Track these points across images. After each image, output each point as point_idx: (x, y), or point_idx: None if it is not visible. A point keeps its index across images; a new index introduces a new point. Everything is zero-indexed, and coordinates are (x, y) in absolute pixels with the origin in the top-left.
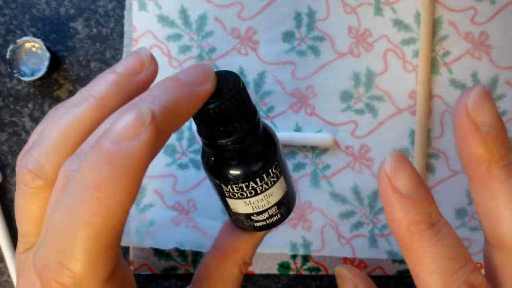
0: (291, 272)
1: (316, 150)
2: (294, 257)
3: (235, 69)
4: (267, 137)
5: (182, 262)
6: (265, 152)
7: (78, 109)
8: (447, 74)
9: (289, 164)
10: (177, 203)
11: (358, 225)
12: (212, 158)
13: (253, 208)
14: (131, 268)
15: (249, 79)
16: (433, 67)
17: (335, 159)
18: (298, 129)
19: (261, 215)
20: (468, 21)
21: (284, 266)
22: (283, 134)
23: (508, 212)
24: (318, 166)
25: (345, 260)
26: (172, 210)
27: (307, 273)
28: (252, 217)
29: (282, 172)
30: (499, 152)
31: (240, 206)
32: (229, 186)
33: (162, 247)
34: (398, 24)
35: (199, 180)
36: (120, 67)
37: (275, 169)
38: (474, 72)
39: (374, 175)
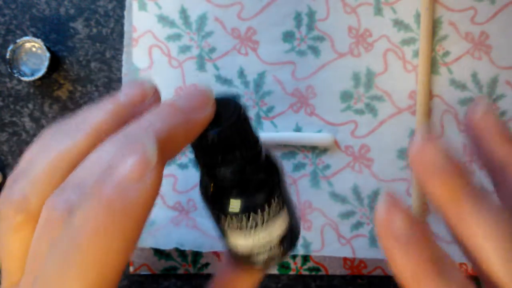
0: (291, 272)
1: (316, 150)
2: (294, 257)
3: (235, 69)
4: (270, 165)
5: (182, 262)
6: (267, 182)
7: (72, 138)
8: (447, 74)
9: (289, 164)
10: (177, 203)
11: (358, 225)
12: (211, 187)
13: (253, 242)
14: (131, 268)
15: (249, 79)
16: (433, 67)
17: (335, 159)
18: (298, 129)
19: (262, 249)
20: (468, 21)
21: (284, 266)
22: (283, 134)
23: (488, 244)
24: (318, 166)
25: (345, 260)
26: (172, 210)
27: (307, 273)
28: (253, 252)
29: (285, 202)
30: (460, 187)
31: (240, 239)
32: (228, 218)
33: (162, 247)
34: (398, 24)
35: (199, 180)
36: (121, 97)
37: (277, 200)
38: (474, 72)
39: (374, 175)
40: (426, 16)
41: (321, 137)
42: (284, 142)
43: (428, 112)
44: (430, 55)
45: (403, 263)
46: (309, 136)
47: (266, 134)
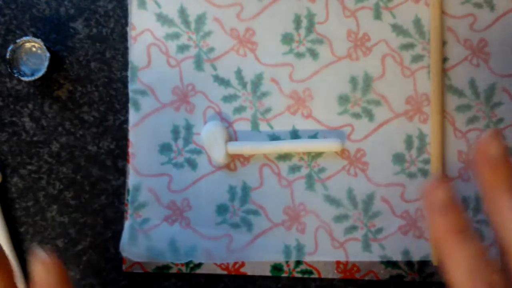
0: (284, 275)
1: (311, 153)
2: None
3: (232, 70)
4: None
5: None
6: None
7: None
8: (445, 81)
9: (285, 166)
10: (171, 202)
11: (351, 228)
12: None
13: None
14: (124, 266)
15: (247, 80)
16: (429, 72)
17: (331, 162)
18: (294, 131)
19: None
20: (468, 27)
21: (276, 268)
22: (291, 142)
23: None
24: (313, 168)
25: (338, 263)
26: (166, 209)
27: (299, 275)
28: None
29: None
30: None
31: None
32: None
33: (156, 246)
34: (397, 29)
35: (194, 180)
36: None
37: None
38: (472, 79)
39: (369, 179)
40: (436, 32)
41: (328, 143)
42: (290, 150)
43: (442, 127)
44: (441, 72)
45: (440, 223)
46: (317, 142)
47: (277, 142)
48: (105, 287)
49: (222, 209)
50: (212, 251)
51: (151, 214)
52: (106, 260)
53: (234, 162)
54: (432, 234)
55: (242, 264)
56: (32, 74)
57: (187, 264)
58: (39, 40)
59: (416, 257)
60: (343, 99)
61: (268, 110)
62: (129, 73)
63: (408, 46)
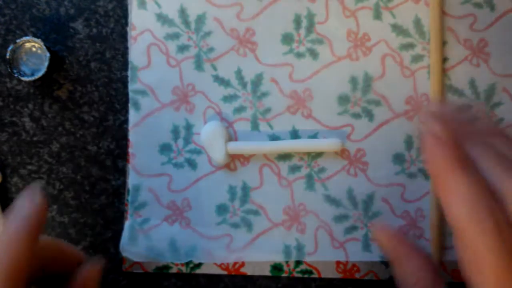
0: (284, 275)
1: (312, 153)
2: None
3: (232, 70)
4: None
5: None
6: None
7: None
8: (445, 81)
9: (285, 166)
10: (171, 202)
11: (351, 229)
12: None
13: None
14: (124, 266)
15: (247, 80)
16: (429, 72)
17: (331, 162)
18: (294, 131)
19: None
20: (468, 27)
21: (276, 268)
22: (292, 141)
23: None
24: (313, 169)
25: (338, 263)
26: (166, 209)
27: (299, 275)
28: None
29: None
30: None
31: None
32: None
33: (156, 246)
34: (397, 29)
35: (194, 180)
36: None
37: None
38: (471, 79)
39: (369, 179)
40: (436, 31)
41: (328, 144)
42: (290, 150)
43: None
44: (441, 70)
45: (441, 154)
46: (317, 142)
47: (277, 142)
48: (105, 287)
49: (222, 209)
50: (212, 251)
51: (151, 214)
52: (106, 260)
53: (234, 162)
54: (431, 166)
55: (242, 264)
56: (32, 74)
57: (187, 264)
58: (39, 40)
59: None
60: (343, 99)
61: (268, 110)
62: (129, 73)
63: (408, 46)
